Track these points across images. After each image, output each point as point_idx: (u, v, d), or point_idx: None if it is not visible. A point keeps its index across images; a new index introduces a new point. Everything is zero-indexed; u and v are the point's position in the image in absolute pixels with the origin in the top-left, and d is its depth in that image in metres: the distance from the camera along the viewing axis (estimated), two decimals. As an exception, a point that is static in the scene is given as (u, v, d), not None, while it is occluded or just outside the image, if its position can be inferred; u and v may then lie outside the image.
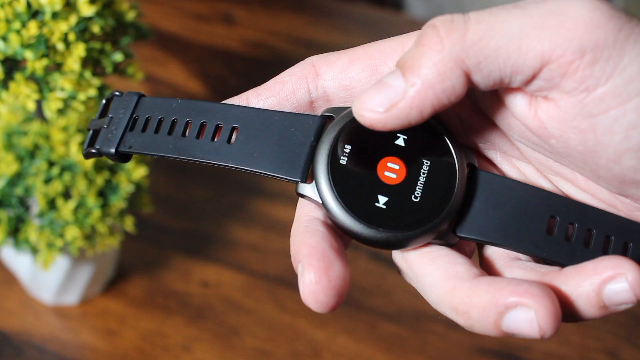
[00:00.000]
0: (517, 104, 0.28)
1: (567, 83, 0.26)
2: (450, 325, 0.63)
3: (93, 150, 0.32)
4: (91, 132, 0.33)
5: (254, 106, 0.31)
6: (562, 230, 0.29)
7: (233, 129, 0.30)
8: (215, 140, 0.30)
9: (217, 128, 0.31)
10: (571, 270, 0.27)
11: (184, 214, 0.74)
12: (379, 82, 0.27)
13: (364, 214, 0.29)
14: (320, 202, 0.29)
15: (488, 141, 0.31)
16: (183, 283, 0.68)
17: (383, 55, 0.31)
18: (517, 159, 0.32)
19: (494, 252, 0.31)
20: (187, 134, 0.31)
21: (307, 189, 0.29)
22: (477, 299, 0.27)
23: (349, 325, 0.65)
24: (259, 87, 0.32)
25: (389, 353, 0.63)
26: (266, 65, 0.94)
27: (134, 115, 0.32)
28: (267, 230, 0.72)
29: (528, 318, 0.26)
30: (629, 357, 0.63)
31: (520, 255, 0.30)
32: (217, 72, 0.92)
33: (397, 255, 0.30)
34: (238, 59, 0.94)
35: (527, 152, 0.31)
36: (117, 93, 0.33)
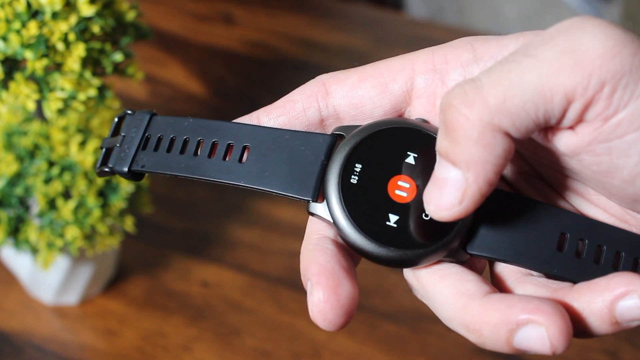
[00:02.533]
0: (536, 137, 0.29)
1: (588, 114, 0.27)
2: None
3: (106, 169, 0.33)
4: (104, 150, 0.33)
5: (265, 125, 0.32)
6: (573, 247, 0.29)
7: (244, 148, 0.31)
8: (226, 159, 0.31)
9: (229, 147, 0.31)
10: (583, 286, 0.28)
11: (184, 214, 0.74)
12: (434, 181, 0.28)
13: (375, 233, 0.29)
14: (332, 221, 0.29)
15: None
16: (183, 283, 0.68)
17: (392, 73, 0.31)
18: (527, 172, 0.32)
19: (505, 268, 0.31)
20: (199, 153, 0.31)
21: (318, 208, 0.30)
22: (488, 316, 0.27)
23: (349, 325, 0.65)
24: (269, 105, 0.32)
25: (389, 353, 0.63)
26: (266, 65, 0.94)
27: (146, 135, 0.32)
28: (267, 230, 0.72)
29: (539, 335, 0.26)
30: (629, 357, 0.63)
31: (532, 271, 0.30)
32: (217, 72, 0.92)
33: (409, 273, 0.30)
34: (238, 59, 0.94)
35: (539, 167, 0.31)
36: (129, 112, 0.34)
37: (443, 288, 0.29)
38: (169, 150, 0.32)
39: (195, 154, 0.31)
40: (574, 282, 0.29)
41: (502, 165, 0.27)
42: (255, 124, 0.32)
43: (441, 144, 0.27)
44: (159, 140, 0.32)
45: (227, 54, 0.95)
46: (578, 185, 0.30)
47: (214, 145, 0.31)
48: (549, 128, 0.28)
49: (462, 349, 0.63)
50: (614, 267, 0.29)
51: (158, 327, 0.64)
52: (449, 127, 0.27)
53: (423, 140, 0.30)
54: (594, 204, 0.30)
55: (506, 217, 0.30)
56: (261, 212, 0.74)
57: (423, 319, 0.64)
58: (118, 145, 0.33)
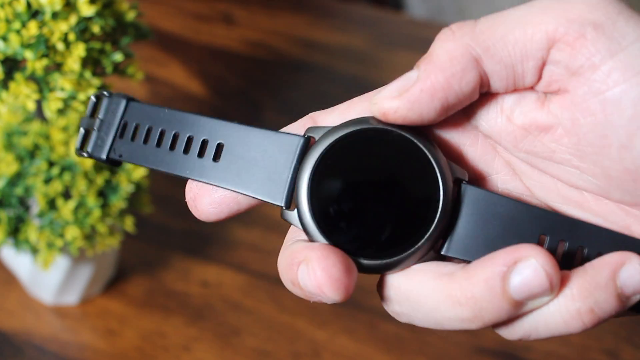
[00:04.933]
0: (530, 105, 0.29)
1: (574, 61, 0.27)
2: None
3: (84, 154, 0.33)
4: (83, 131, 0.34)
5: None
6: (553, 248, 0.29)
7: (219, 145, 0.31)
8: (202, 156, 0.31)
9: (204, 143, 0.31)
10: (581, 268, 0.27)
11: (184, 214, 0.74)
12: (398, 78, 0.28)
13: (345, 242, 0.29)
14: (302, 229, 0.29)
15: (491, 174, 0.31)
16: (183, 283, 0.68)
17: None
18: (520, 193, 0.31)
19: None
20: (175, 148, 0.31)
21: (290, 215, 0.30)
22: (476, 276, 0.26)
23: (349, 325, 0.65)
24: None
25: (389, 353, 0.63)
26: (266, 65, 0.94)
27: (123, 121, 0.33)
28: (267, 230, 0.72)
29: (532, 268, 0.26)
30: (629, 357, 0.63)
31: None
32: (217, 72, 0.92)
33: (385, 281, 0.29)
34: (238, 59, 0.94)
35: (532, 175, 0.30)
36: (105, 93, 0.34)
37: (422, 277, 0.28)
38: (145, 141, 0.32)
39: (172, 147, 0.31)
40: None
41: (454, 89, 0.27)
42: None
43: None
44: (136, 129, 0.32)
45: (227, 54, 0.95)
46: (574, 193, 0.30)
47: (189, 140, 0.31)
48: (545, 98, 0.28)
49: (462, 349, 0.63)
50: None
51: (158, 327, 0.64)
52: (435, 39, 0.28)
53: (397, 141, 0.29)
54: (592, 213, 0.30)
55: (484, 218, 0.29)
56: (261, 212, 0.74)
57: (423, 319, 0.64)
58: (96, 129, 0.33)
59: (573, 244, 0.29)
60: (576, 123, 0.28)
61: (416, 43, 0.96)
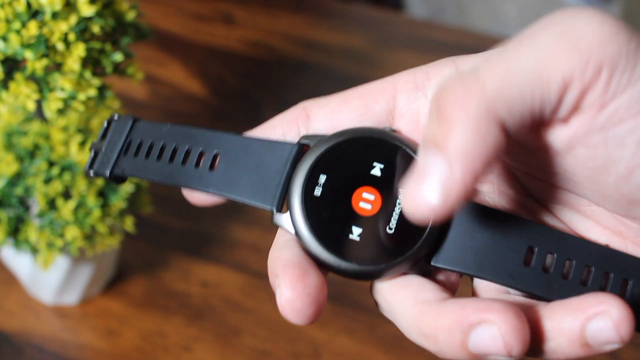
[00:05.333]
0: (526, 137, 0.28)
1: (584, 101, 0.26)
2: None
3: (91, 172, 0.35)
4: (93, 153, 0.35)
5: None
6: (540, 261, 0.29)
7: (215, 155, 0.31)
8: (199, 166, 0.32)
9: (201, 155, 0.32)
10: (556, 305, 0.27)
11: (184, 214, 0.74)
12: (417, 170, 0.25)
13: (337, 247, 0.29)
14: (294, 233, 0.29)
15: (487, 181, 0.31)
16: (183, 283, 0.68)
17: (374, 95, 0.31)
18: (516, 191, 0.31)
19: (483, 286, 0.30)
20: (174, 160, 0.32)
21: (281, 219, 0.30)
22: (442, 320, 0.26)
23: (349, 325, 0.65)
24: (250, 131, 0.32)
25: (389, 353, 0.63)
26: (266, 65, 0.94)
27: (128, 139, 0.34)
28: (267, 230, 0.72)
29: (492, 334, 0.25)
30: (629, 357, 0.63)
31: (510, 289, 0.30)
32: (217, 72, 0.92)
33: (374, 286, 0.30)
34: (238, 59, 0.94)
35: (527, 182, 0.30)
36: (115, 117, 0.35)
37: (402, 298, 0.28)
38: (147, 156, 0.33)
39: (171, 160, 0.32)
40: (541, 297, 0.28)
41: (490, 163, 0.25)
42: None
43: (430, 131, 0.25)
44: (139, 145, 0.34)
45: (227, 54, 0.95)
46: (569, 197, 0.30)
47: (187, 153, 0.32)
48: (544, 123, 0.27)
49: (462, 349, 0.63)
50: (582, 282, 0.28)
51: (158, 327, 0.64)
52: (442, 112, 0.25)
53: (390, 151, 0.30)
54: (586, 216, 0.30)
55: (473, 229, 0.29)
56: (261, 212, 0.73)
57: (423, 319, 0.64)
58: (103, 149, 0.35)
59: (561, 257, 0.29)
60: (575, 151, 0.27)
61: (416, 43, 0.96)
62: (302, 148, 0.30)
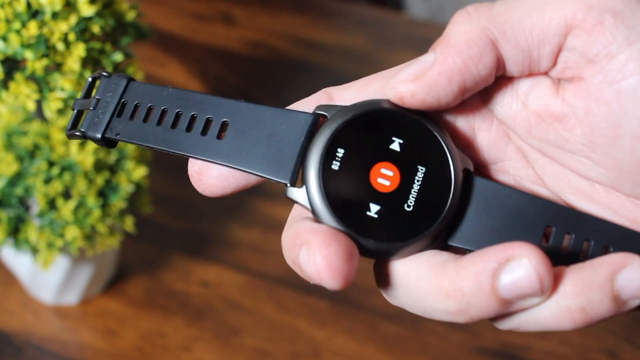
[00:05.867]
0: (544, 91, 0.29)
1: (591, 49, 0.27)
2: (451, 325, 0.63)
3: (77, 133, 0.31)
4: (75, 112, 0.32)
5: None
6: (558, 240, 0.28)
7: (224, 123, 0.29)
8: (205, 134, 0.29)
9: (208, 122, 0.30)
10: (580, 264, 0.26)
11: (184, 214, 0.74)
12: (407, 63, 0.28)
13: (354, 224, 0.28)
14: (310, 208, 0.28)
15: (502, 160, 0.31)
16: (183, 283, 0.68)
17: None
18: (531, 182, 0.31)
19: None
20: (177, 126, 0.30)
21: (296, 193, 0.28)
22: (466, 270, 0.26)
23: (349, 325, 0.65)
24: None
25: (389, 353, 0.63)
26: (266, 65, 0.94)
27: (123, 100, 0.31)
28: (267, 230, 0.72)
29: (524, 268, 0.25)
30: (629, 357, 0.63)
31: None
32: (217, 72, 0.92)
33: (382, 265, 0.29)
34: (238, 59, 0.94)
35: (544, 164, 0.30)
36: (104, 73, 0.32)
37: (416, 265, 0.27)
38: (145, 120, 0.30)
39: (174, 126, 0.30)
40: None
41: (472, 72, 0.27)
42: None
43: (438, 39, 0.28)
44: (136, 108, 0.31)
45: (227, 54, 0.95)
46: (584, 184, 0.30)
47: (192, 119, 0.30)
48: (559, 85, 0.28)
49: (462, 349, 0.63)
50: None
51: (158, 327, 0.64)
52: (451, 20, 0.28)
53: (410, 125, 0.29)
54: (603, 205, 0.30)
55: (490, 209, 0.29)
56: (261, 212, 0.74)
57: (423, 319, 0.64)
58: (92, 108, 0.31)
59: (579, 237, 0.28)
60: (589, 112, 0.27)
61: (416, 43, 0.96)
62: (318, 118, 0.29)
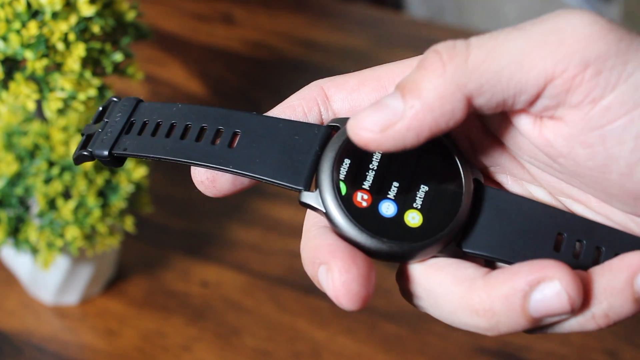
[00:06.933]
0: (522, 124, 0.28)
1: (573, 97, 0.26)
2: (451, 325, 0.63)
3: (85, 153, 0.31)
4: (84, 136, 0.32)
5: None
6: (570, 248, 0.29)
7: (234, 134, 0.30)
8: (215, 144, 0.30)
9: (218, 132, 0.30)
10: (597, 268, 0.27)
11: (184, 214, 0.74)
12: (377, 102, 0.27)
13: (368, 225, 0.28)
14: (324, 211, 0.29)
15: (498, 164, 0.31)
16: (183, 283, 0.68)
17: (392, 77, 0.31)
18: (528, 182, 0.31)
19: None
20: (186, 137, 0.30)
21: (310, 197, 0.29)
22: (496, 290, 0.26)
23: (349, 325, 0.65)
24: (268, 112, 0.31)
25: (389, 353, 0.63)
26: (266, 65, 0.94)
27: (131, 119, 0.31)
28: (267, 230, 0.72)
29: (555, 290, 0.25)
30: (629, 357, 0.63)
31: None
32: (217, 72, 0.92)
33: (403, 273, 0.29)
34: (238, 59, 0.94)
35: (538, 174, 0.30)
36: (114, 99, 0.32)
37: (442, 279, 0.28)
38: (154, 134, 0.30)
39: (183, 137, 0.30)
40: None
41: (441, 127, 0.26)
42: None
43: (407, 78, 0.27)
44: (144, 124, 0.31)
45: (227, 54, 0.95)
46: (578, 193, 0.30)
47: (202, 130, 0.30)
48: (540, 121, 0.27)
49: (462, 349, 0.63)
50: None
51: (158, 327, 0.64)
52: (422, 65, 0.27)
53: None
54: (596, 211, 0.30)
55: (502, 216, 0.29)
56: (261, 212, 0.74)
57: (423, 319, 0.64)
58: (100, 130, 0.31)
59: (590, 244, 0.29)
60: (573, 151, 0.27)
61: (416, 43, 0.96)
62: (331, 130, 0.30)
